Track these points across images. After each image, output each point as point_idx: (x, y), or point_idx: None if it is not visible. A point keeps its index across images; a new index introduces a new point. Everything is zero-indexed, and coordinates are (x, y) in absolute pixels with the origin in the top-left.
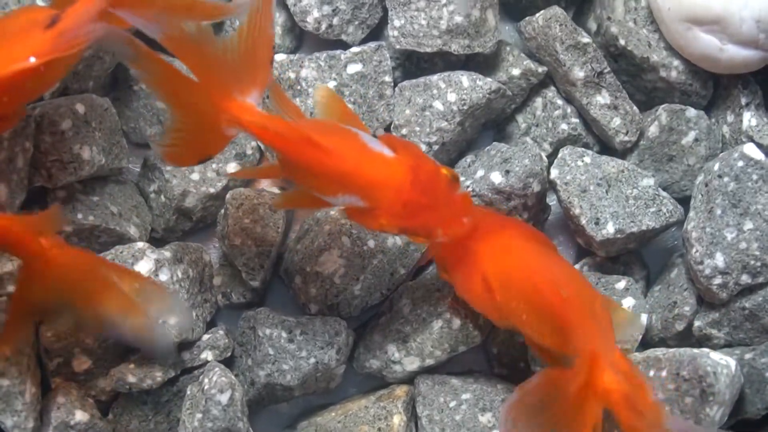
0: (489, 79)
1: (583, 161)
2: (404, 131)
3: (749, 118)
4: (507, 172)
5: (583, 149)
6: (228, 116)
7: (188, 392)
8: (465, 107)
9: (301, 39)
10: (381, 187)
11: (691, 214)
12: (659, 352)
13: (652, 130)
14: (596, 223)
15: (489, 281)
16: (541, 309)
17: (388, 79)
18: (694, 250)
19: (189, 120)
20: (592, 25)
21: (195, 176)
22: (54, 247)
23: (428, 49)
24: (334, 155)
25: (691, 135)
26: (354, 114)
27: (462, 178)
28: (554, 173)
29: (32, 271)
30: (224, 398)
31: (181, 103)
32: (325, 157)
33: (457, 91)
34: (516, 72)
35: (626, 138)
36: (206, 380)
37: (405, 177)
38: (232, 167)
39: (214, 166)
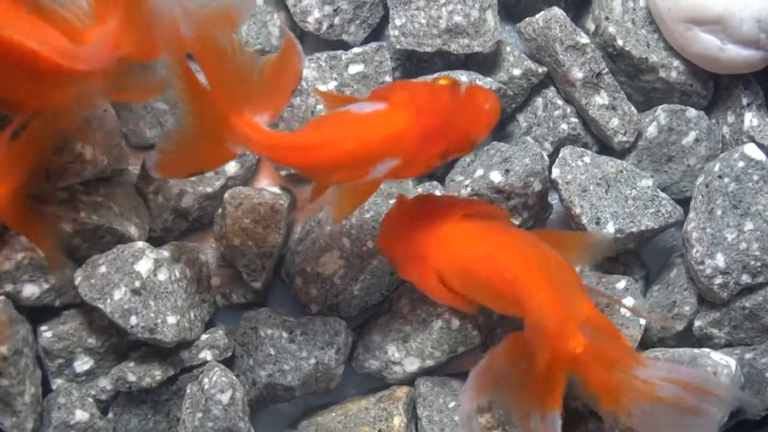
0: (489, 79)
1: (582, 161)
2: None
3: (751, 118)
4: (507, 171)
5: (582, 149)
6: (232, 130)
7: (188, 391)
8: None
9: (302, 40)
10: (394, 136)
11: (692, 214)
12: (658, 352)
13: (651, 130)
14: (597, 223)
15: (443, 276)
16: (499, 292)
17: (388, 79)
18: (694, 250)
19: (194, 129)
20: (591, 26)
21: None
22: None
23: (428, 49)
24: (335, 141)
25: (692, 135)
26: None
27: (461, 177)
28: (555, 173)
29: None
30: (225, 398)
31: (191, 110)
32: (330, 147)
33: None
34: (517, 72)
35: (624, 138)
36: (206, 380)
37: (407, 112)
38: (232, 167)
39: None
